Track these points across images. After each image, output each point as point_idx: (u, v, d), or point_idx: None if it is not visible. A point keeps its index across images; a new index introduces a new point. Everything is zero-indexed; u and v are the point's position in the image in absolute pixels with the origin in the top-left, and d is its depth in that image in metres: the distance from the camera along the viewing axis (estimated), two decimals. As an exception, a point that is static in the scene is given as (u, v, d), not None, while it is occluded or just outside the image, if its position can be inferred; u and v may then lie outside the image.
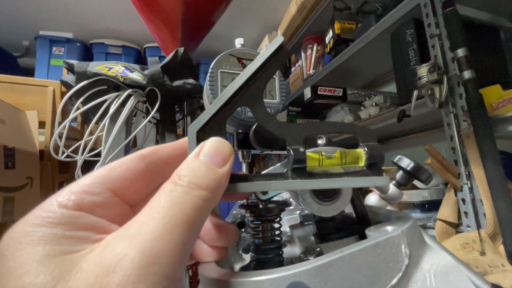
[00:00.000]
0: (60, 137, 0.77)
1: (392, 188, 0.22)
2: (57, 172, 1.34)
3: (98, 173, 0.12)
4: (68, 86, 0.77)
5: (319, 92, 1.12)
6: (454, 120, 0.65)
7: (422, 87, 0.68)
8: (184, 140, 0.14)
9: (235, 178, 0.13)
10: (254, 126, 0.15)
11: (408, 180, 0.22)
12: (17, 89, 1.28)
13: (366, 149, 0.14)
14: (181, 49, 0.79)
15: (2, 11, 1.65)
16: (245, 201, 0.17)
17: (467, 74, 0.61)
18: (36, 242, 0.10)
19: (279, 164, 0.17)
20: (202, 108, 0.92)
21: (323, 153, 0.13)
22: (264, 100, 0.15)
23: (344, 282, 0.12)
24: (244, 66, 0.17)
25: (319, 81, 1.29)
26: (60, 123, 0.76)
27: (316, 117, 1.44)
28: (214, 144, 0.13)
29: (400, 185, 0.22)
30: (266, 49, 0.13)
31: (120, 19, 1.80)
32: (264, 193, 0.15)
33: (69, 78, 0.77)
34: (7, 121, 1.02)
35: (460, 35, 0.63)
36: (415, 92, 0.70)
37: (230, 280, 0.12)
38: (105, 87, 0.78)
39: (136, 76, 0.75)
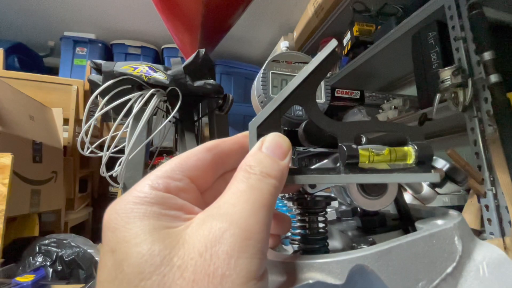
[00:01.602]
0: (86, 134, 0.80)
1: (426, 189, 0.22)
2: (78, 168, 1.40)
3: (175, 162, 0.13)
4: (95, 85, 0.81)
5: (336, 94, 1.11)
6: (479, 125, 0.64)
7: (445, 90, 0.67)
8: (241, 135, 0.15)
9: (291, 171, 0.14)
10: (303, 124, 0.16)
11: (443, 181, 0.22)
12: (43, 87, 1.34)
13: (416, 147, 0.14)
14: (203, 50, 0.81)
15: (30, 12, 1.73)
16: (291, 194, 0.18)
17: (493, 78, 0.60)
18: (141, 217, 0.11)
19: (326, 160, 0.18)
20: (220, 108, 0.94)
21: (373, 150, 0.14)
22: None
23: (404, 267, 0.13)
24: (292, 68, 0.18)
25: (336, 83, 1.28)
26: (87, 120, 0.79)
27: (332, 119, 1.43)
28: (274, 138, 0.14)
29: (434, 186, 0.23)
30: (321, 52, 0.14)
31: (140, 21, 1.86)
32: (312, 187, 0.16)
33: (96, 77, 0.81)
34: (36, 118, 1.07)
35: (487, 38, 0.62)
36: (438, 96, 0.69)
37: (296, 262, 0.13)
38: (129, 86, 0.81)
39: (160, 76, 0.77)
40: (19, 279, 0.58)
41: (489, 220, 0.62)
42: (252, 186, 0.12)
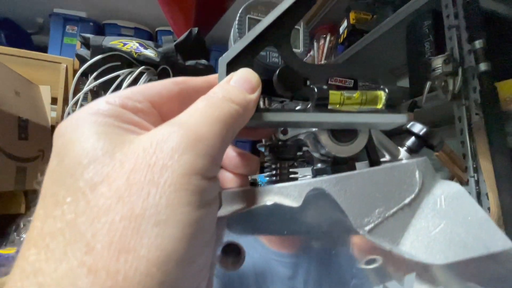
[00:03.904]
0: (73, 110, 0.78)
1: (403, 154, 0.23)
2: (67, 148, 1.37)
3: (137, 87, 0.13)
4: (83, 60, 0.78)
5: (330, 82, 1.11)
6: (466, 113, 0.65)
7: (436, 78, 0.68)
8: (212, 76, 0.15)
9: (260, 109, 0.14)
10: (278, 70, 0.16)
11: (419, 145, 0.22)
12: (31, 64, 1.30)
13: (387, 90, 0.14)
14: (195, 29, 0.79)
15: (18, -14, 1.66)
16: (263, 141, 0.18)
17: (483, 66, 0.60)
18: (93, 124, 0.11)
19: (298, 107, 0.18)
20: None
21: (343, 93, 0.14)
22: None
23: (362, 193, 0.13)
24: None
25: (330, 72, 1.28)
26: (73, 98, 0.77)
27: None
28: (243, 73, 0.14)
29: (411, 151, 0.23)
30: (297, -10, 0.14)
31: (134, 0, 1.80)
32: (284, 133, 0.15)
33: (84, 52, 0.78)
34: (22, 94, 1.04)
35: (480, 26, 0.62)
36: (428, 84, 0.70)
37: (256, 189, 0.13)
38: (119, 63, 0.79)
39: (150, 53, 0.75)
40: (2, 251, 0.57)
41: (469, 206, 0.63)
42: (211, 104, 0.12)
